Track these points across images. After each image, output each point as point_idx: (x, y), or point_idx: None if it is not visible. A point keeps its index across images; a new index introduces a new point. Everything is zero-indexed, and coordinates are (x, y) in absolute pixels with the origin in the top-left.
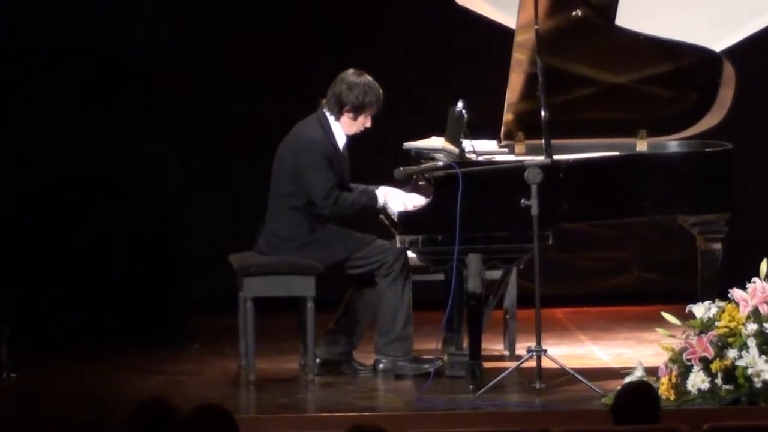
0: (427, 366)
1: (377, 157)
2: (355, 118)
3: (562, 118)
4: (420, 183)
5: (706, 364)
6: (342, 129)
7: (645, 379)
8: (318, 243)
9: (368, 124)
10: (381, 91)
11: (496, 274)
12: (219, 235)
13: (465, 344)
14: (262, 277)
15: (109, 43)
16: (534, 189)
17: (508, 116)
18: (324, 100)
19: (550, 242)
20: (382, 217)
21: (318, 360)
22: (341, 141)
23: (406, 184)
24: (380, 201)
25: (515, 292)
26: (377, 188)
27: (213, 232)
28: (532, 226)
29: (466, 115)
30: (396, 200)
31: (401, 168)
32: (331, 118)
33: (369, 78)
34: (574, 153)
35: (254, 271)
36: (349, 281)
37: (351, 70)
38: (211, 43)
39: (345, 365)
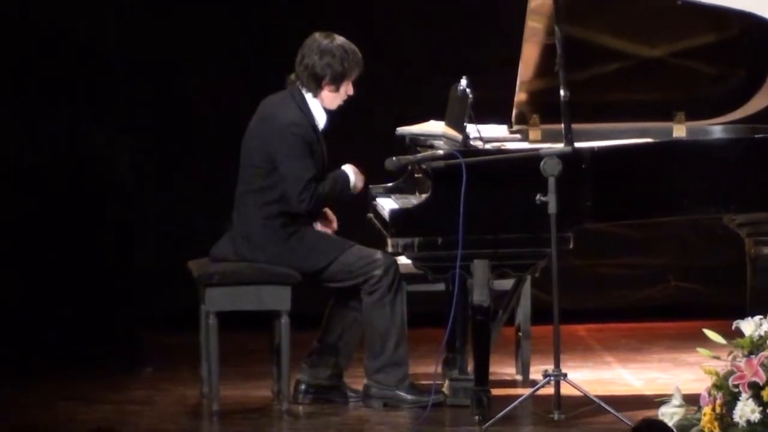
0: (426, 399)
1: (366, 146)
2: (337, 89)
3: (585, 99)
4: (416, 175)
5: (756, 390)
6: (322, 105)
7: (684, 408)
8: (295, 247)
9: (351, 91)
10: (357, 49)
11: (506, 283)
12: (176, 238)
13: (470, 367)
14: (227, 287)
15: (48, 17)
16: (552, 182)
17: (520, 96)
18: (293, 76)
19: (571, 246)
20: (370, 215)
21: (302, 386)
22: (321, 121)
23: (399, 176)
24: (351, 179)
25: (529, 306)
26: (342, 168)
27: (170, 235)
28: (549, 227)
29: (470, 95)
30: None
31: (394, 158)
32: (308, 96)
33: (341, 38)
34: (599, 140)
35: (218, 281)
36: (330, 292)
37: (317, 35)
38: (168, 18)
39: (334, 392)
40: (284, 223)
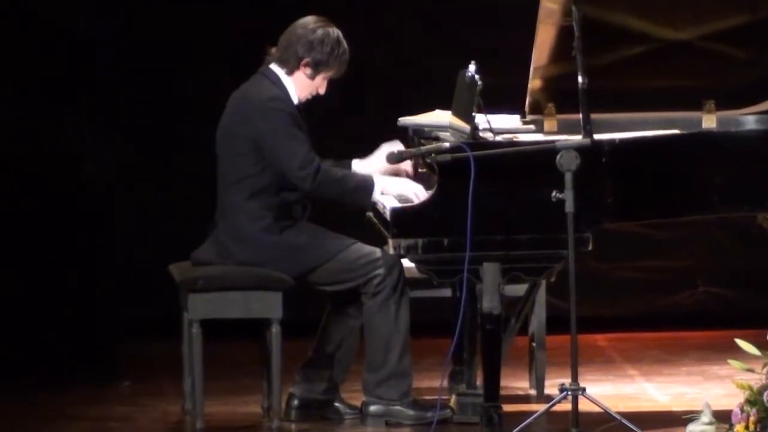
0: (429, 414)
1: (365, 138)
2: (312, 77)
3: (606, 86)
4: (420, 170)
5: None
6: (295, 90)
7: (714, 426)
8: (287, 246)
9: (322, 90)
10: (348, 50)
11: (519, 289)
12: (157, 240)
13: (479, 381)
14: (212, 293)
15: (17, 2)
16: (569, 178)
17: (534, 83)
18: (272, 51)
19: (590, 248)
20: (370, 214)
21: (295, 401)
22: (296, 101)
23: (400, 171)
24: (377, 190)
25: (544, 313)
26: (373, 176)
27: (150, 236)
28: (566, 227)
29: (479, 82)
30: (394, 187)
31: (395, 151)
32: (281, 73)
33: (337, 31)
34: (620, 131)
35: (202, 285)
36: (326, 297)
37: (312, 18)
38: (151, 2)
39: (329, 408)
40: (277, 216)
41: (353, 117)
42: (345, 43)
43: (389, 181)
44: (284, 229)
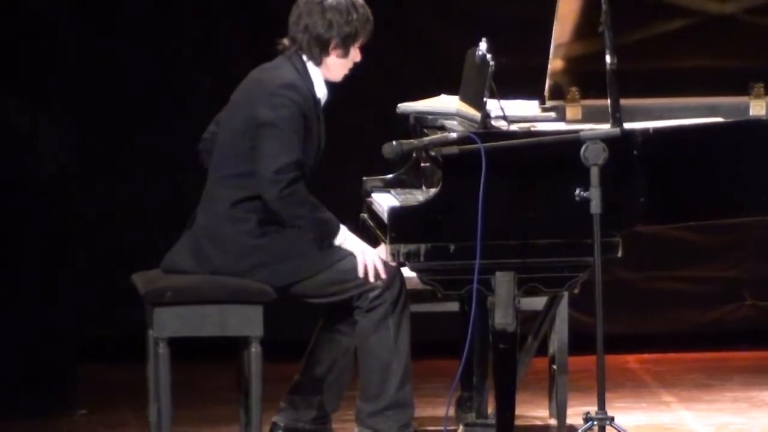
0: None
1: (360, 127)
2: (345, 54)
3: (638, 67)
4: (422, 164)
5: None
6: (327, 76)
7: None
8: (274, 248)
9: (359, 57)
10: (364, 1)
11: (537, 302)
12: (120, 246)
13: (490, 409)
14: (182, 306)
15: None
16: (595, 173)
17: (555, 64)
18: (286, 41)
19: (620, 254)
20: (364, 215)
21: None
22: (322, 95)
23: (401, 165)
24: (340, 236)
25: (566, 331)
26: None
27: (111, 241)
28: (592, 231)
29: (492, 63)
30: (353, 245)
31: (394, 142)
32: (309, 65)
33: None
34: (655, 119)
35: (170, 298)
36: (318, 312)
37: None
38: None
39: None
40: (262, 220)
41: (343, 104)
42: (360, 2)
43: (352, 237)
44: (269, 233)
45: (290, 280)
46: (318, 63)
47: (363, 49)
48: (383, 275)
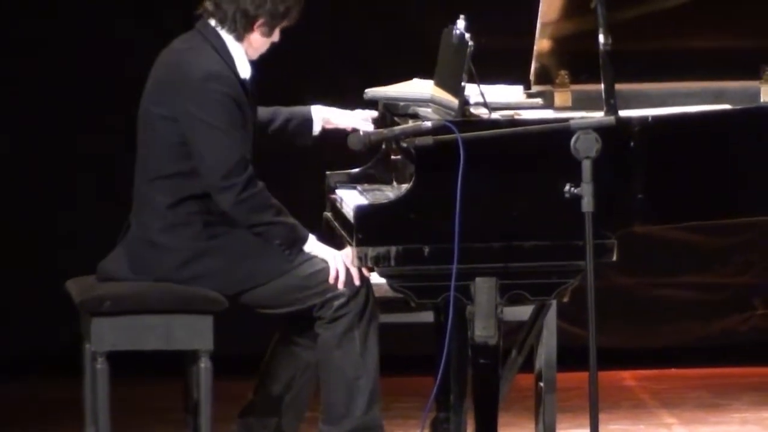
0: None
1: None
2: (269, 33)
3: (635, 47)
4: (393, 157)
5: None
6: (246, 52)
7: None
8: (219, 256)
9: (276, 39)
10: None
11: (522, 312)
12: (55, 248)
13: (470, 430)
14: (123, 317)
15: None
16: (587, 167)
17: (542, 44)
18: (208, 5)
19: (614, 258)
20: (328, 214)
21: None
22: (246, 72)
23: (368, 158)
24: (309, 243)
25: (555, 344)
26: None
27: (46, 243)
28: (583, 231)
29: (471, 43)
30: (322, 252)
31: (360, 132)
32: (228, 39)
33: None
34: (654, 106)
35: (110, 307)
36: (274, 323)
37: None
38: None
39: None
40: (208, 222)
41: (307, 88)
42: None
43: (320, 246)
44: (218, 235)
45: (242, 287)
46: (240, 38)
47: (288, 32)
48: (357, 282)
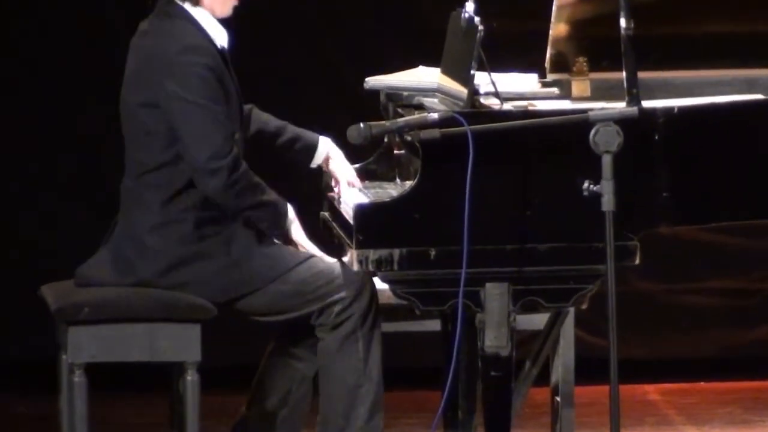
0: None
1: (320, 107)
2: None
3: (659, 32)
4: (396, 151)
5: None
6: (215, 14)
7: None
8: (210, 260)
9: None
10: None
11: (536, 320)
12: (30, 250)
13: None
14: (102, 325)
15: None
16: (607, 162)
17: (558, 28)
18: None
19: (637, 261)
20: (325, 214)
21: None
22: (224, 41)
23: (369, 153)
24: (290, 220)
25: (572, 355)
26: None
27: (19, 245)
28: (604, 232)
29: (480, 28)
30: (300, 237)
31: (361, 124)
32: (192, 10)
33: None
34: (680, 96)
35: (89, 315)
36: (268, 331)
37: None
38: None
39: None
40: (200, 220)
41: (298, 78)
42: None
43: (298, 228)
44: (207, 237)
45: (234, 294)
46: (194, 2)
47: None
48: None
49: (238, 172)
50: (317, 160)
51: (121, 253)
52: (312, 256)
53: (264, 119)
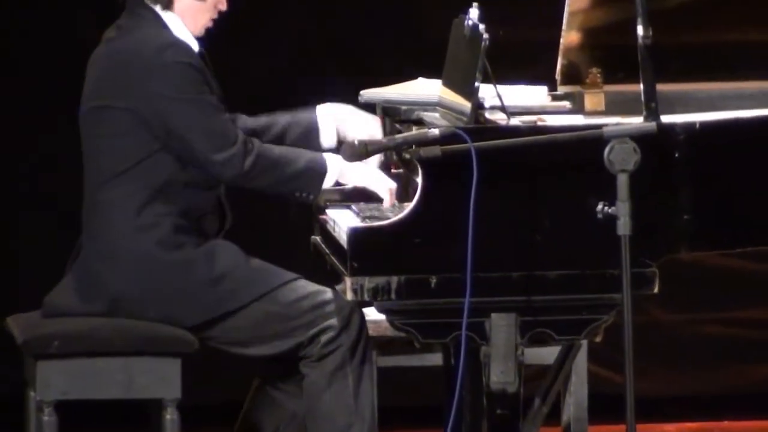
0: None
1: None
2: None
3: (680, 41)
4: (393, 170)
5: None
6: (186, 27)
7: None
8: (188, 268)
9: (223, 5)
10: None
11: (546, 354)
12: None
13: None
14: (74, 360)
15: None
16: (623, 182)
17: (570, 36)
18: None
19: (656, 290)
20: (316, 238)
21: None
22: (194, 47)
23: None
24: (331, 175)
25: (585, 391)
26: (328, 156)
27: None
28: (619, 258)
29: (486, 36)
30: (359, 177)
31: (355, 141)
32: (164, 14)
33: None
34: (702, 110)
35: (59, 348)
36: (253, 366)
37: None
38: None
39: None
40: (178, 227)
41: (289, 91)
42: None
43: (354, 168)
44: (184, 245)
45: (216, 311)
46: (165, 5)
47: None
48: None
49: (251, 155)
50: (327, 138)
51: (87, 274)
52: (299, 277)
53: (250, 121)
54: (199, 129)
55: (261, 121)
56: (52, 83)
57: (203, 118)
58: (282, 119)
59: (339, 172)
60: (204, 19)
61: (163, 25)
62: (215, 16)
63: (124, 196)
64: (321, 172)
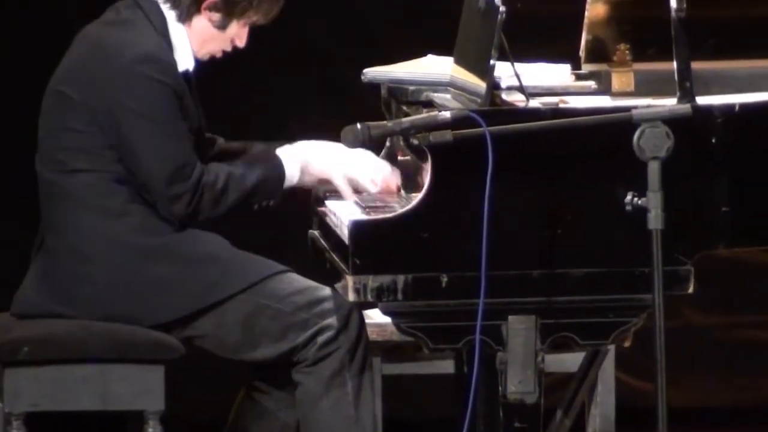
0: None
1: (311, 103)
2: (222, 24)
3: (717, 15)
4: (400, 157)
5: None
6: (191, 43)
7: None
8: (170, 255)
9: (242, 42)
10: None
11: (570, 360)
12: None
13: None
14: (46, 367)
15: None
16: (654, 170)
17: (595, 10)
18: None
19: (691, 290)
20: (315, 233)
21: None
22: (188, 62)
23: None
24: (293, 175)
25: (613, 402)
26: (283, 148)
27: None
28: (650, 255)
29: (502, 9)
30: (326, 163)
31: (358, 125)
32: (171, 18)
33: None
34: (741, 91)
35: (29, 355)
36: (240, 373)
37: None
38: None
39: None
40: (150, 213)
41: (286, 70)
42: None
43: (318, 152)
44: (162, 231)
45: (202, 302)
46: (182, 18)
47: (254, 33)
48: (395, 185)
49: (200, 193)
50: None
51: (58, 266)
52: (290, 270)
53: (224, 146)
54: (154, 155)
55: (235, 145)
56: None
57: (162, 145)
58: (257, 146)
59: (301, 169)
60: (213, 47)
61: (165, 32)
62: (228, 49)
63: (87, 183)
64: (278, 178)
